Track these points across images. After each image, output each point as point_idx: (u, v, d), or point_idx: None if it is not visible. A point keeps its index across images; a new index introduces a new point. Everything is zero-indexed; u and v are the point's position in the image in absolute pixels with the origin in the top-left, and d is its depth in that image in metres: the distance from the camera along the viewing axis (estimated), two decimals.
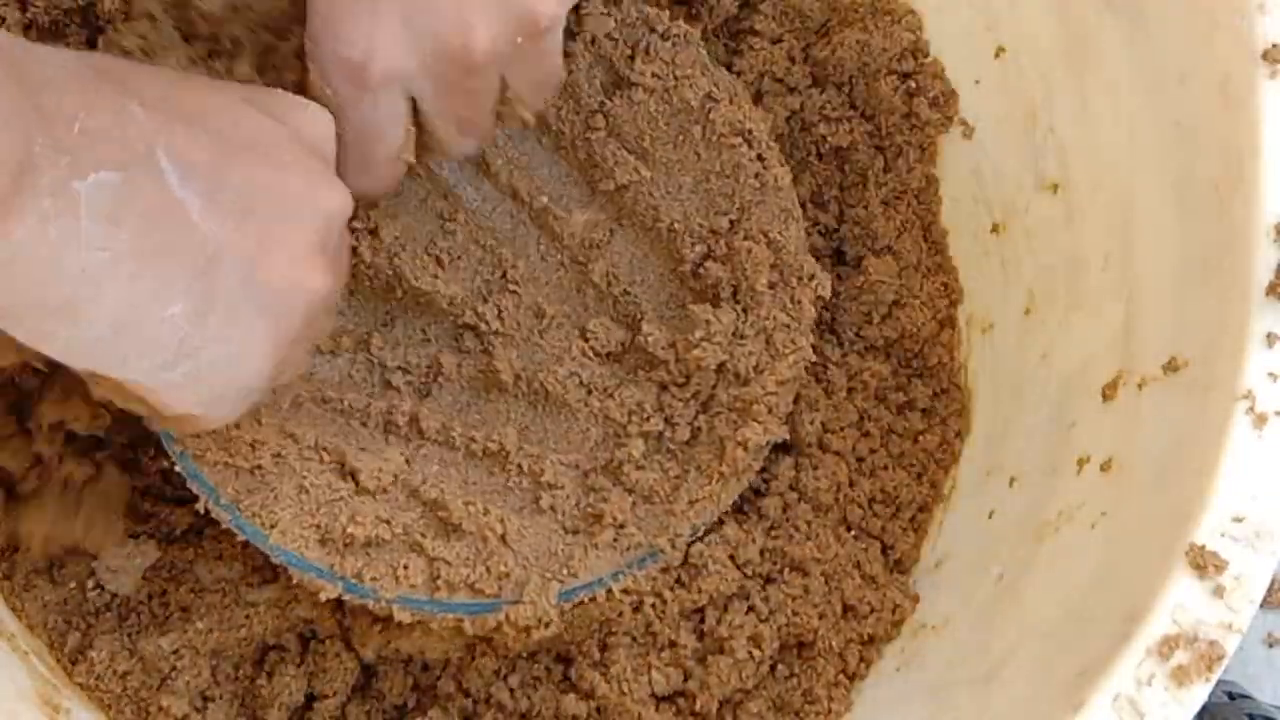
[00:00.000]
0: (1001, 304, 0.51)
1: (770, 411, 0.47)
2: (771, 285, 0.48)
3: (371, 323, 0.48)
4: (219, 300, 0.35)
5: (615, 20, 0.48)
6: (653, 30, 0.49)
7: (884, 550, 0.49)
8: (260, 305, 0.36)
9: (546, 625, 0.44)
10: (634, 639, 0.45)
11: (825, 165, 0.54)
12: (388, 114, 0.40)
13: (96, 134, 0.32)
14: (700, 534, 0.47)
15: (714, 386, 0.47)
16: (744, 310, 0.47)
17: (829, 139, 0.53)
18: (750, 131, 0.49)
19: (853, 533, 0.49)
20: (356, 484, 0.44)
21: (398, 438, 0.46)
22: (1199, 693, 0.34)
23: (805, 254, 0.49)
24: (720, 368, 0.47)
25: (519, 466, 0.47)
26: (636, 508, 0.47)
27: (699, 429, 0.48)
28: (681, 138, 0.49)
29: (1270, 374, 0.37)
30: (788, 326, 0.48)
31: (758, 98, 0.53)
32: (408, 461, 0.46)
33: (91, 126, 0.32)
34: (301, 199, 0.37)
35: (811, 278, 0.49)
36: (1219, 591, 0.35)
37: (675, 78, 0.48)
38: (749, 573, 0.47)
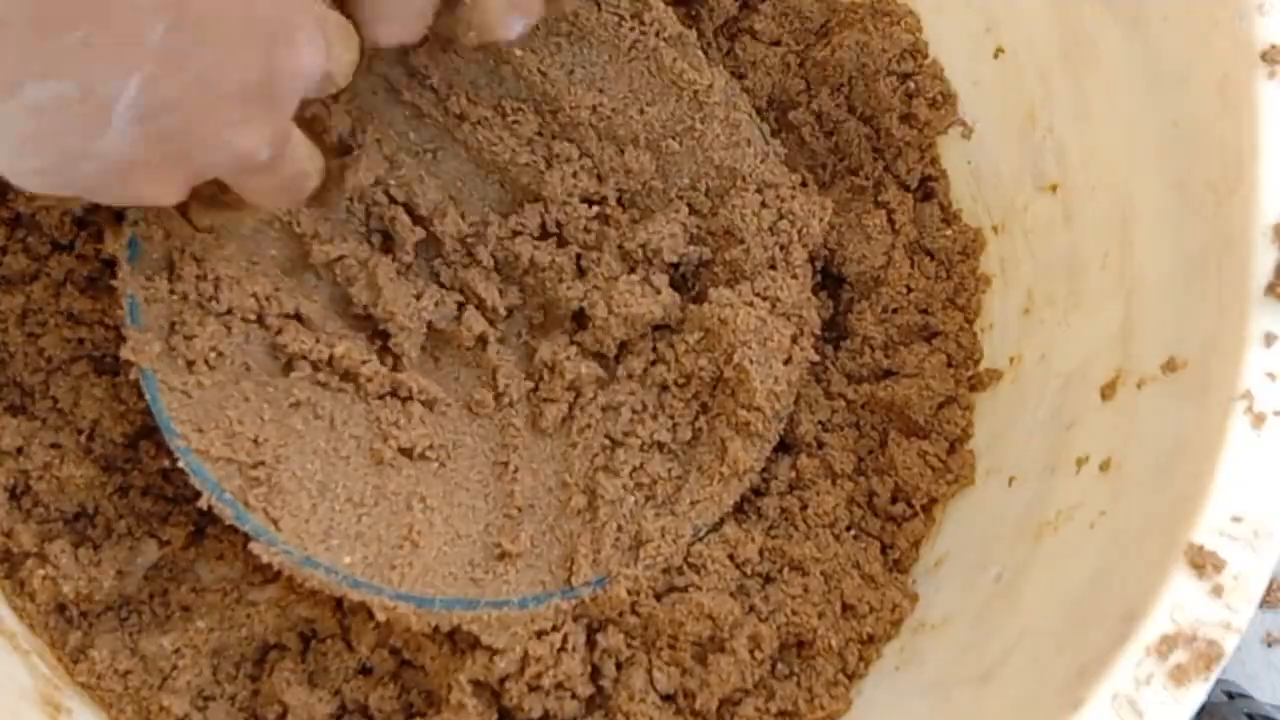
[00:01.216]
0: (1001, 304, 0.51)
1: (771, 413, 0.47)
2: (771, 284, 0.48)
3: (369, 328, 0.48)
4: None
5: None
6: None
7: (883, 550, 0.49)
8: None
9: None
10: (633, 637, 0.45)
11: (824, 167, 0.54)
12: None
13: None
14: (701, 534, 0.47)
15: (714, 387, 0.48)
16: (744, 311, 0.47)
17: (827, 140, 0.53)
18: (751, 133, 0.49)
19: (852, 532, 0.49)
20: (360, 481, 0.44)
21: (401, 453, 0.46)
22: (1198, 692, 0.34)
23: (805, 256, 0.49)
24: (720, 368, 0.47)
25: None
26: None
27: (700, 430, 0.48)
28: (678, 140, 0.49)
29: (1268, 374, 0.37)
30: (788, 326, 0.48)
31: (757, 100, 0.53)
32: (411, 463, 0.46)
33: None
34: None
35: (811, 278, 0.49)
36: (1218, 591, 0.35)
37: (670, 81, 0.48)
38: (748, 572, 0.47)
